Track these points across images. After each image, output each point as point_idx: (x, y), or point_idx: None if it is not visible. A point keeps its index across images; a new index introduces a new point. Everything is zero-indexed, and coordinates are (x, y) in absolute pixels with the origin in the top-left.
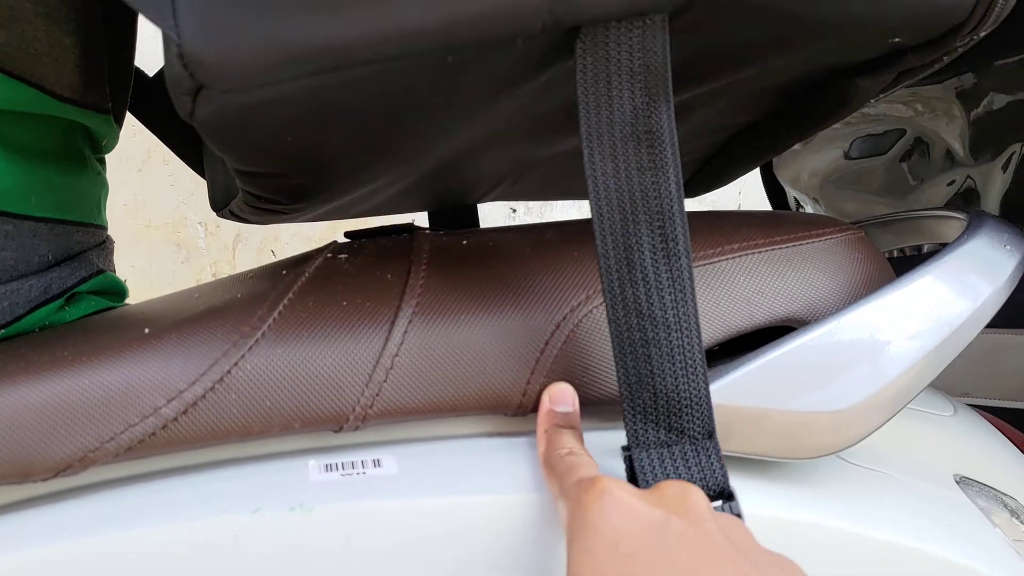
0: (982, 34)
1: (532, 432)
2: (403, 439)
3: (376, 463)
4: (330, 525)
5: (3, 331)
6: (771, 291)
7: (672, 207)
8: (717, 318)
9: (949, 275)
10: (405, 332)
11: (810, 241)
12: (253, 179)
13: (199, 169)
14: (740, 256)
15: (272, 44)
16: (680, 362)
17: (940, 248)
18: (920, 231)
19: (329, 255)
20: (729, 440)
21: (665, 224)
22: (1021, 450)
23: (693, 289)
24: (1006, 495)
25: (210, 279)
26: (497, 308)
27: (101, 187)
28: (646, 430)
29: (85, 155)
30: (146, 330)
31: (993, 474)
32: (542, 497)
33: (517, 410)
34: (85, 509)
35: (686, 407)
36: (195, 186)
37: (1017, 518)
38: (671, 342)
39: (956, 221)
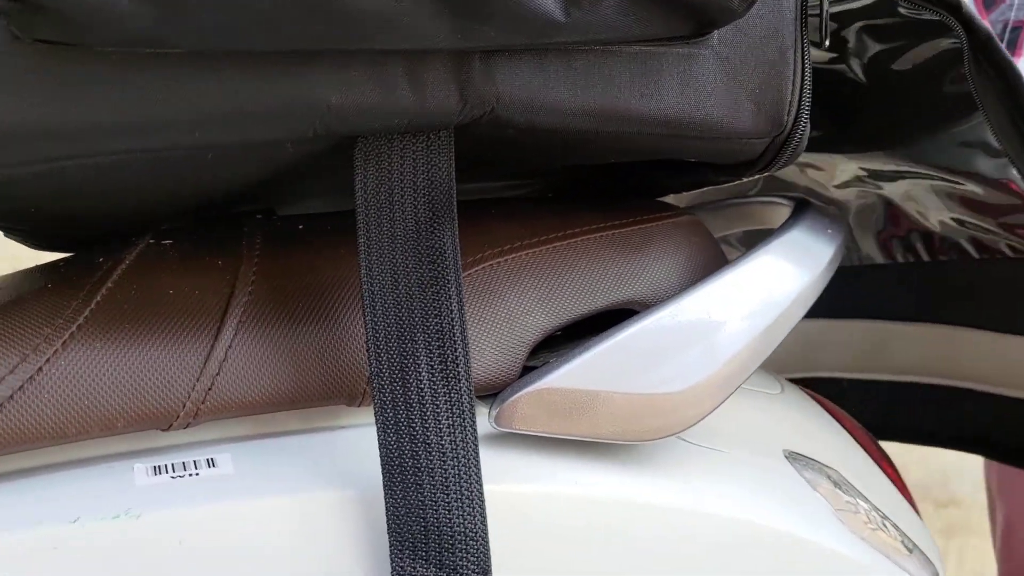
0: (775, 170)
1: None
2: (240, 436)
3: (210, 463)
4: (161, 531)
5: None
6: (612, 274)
7: (453, 327)
8: (559, 302)
9: (776, 260)
10: (239, 321)
11: (648, 225)
12: (12, 234)
13: None
14: (582, 239)
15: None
16: (455, 493)
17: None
18: (749, 217)
19: (152, 240)
20: (574, 424)
21: (445, 344)
22: (842, 424)
23: (473, 415)
24: (829, 467)
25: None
26: (335, 294)
27: None
28: (414, 567)
29: None
30: None
31: (817, 448)
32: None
33: (362, 400)
34: None
35: (460, 543)
36: None
37: (840, 488)
38: (446, 471)
39: (782, 207)
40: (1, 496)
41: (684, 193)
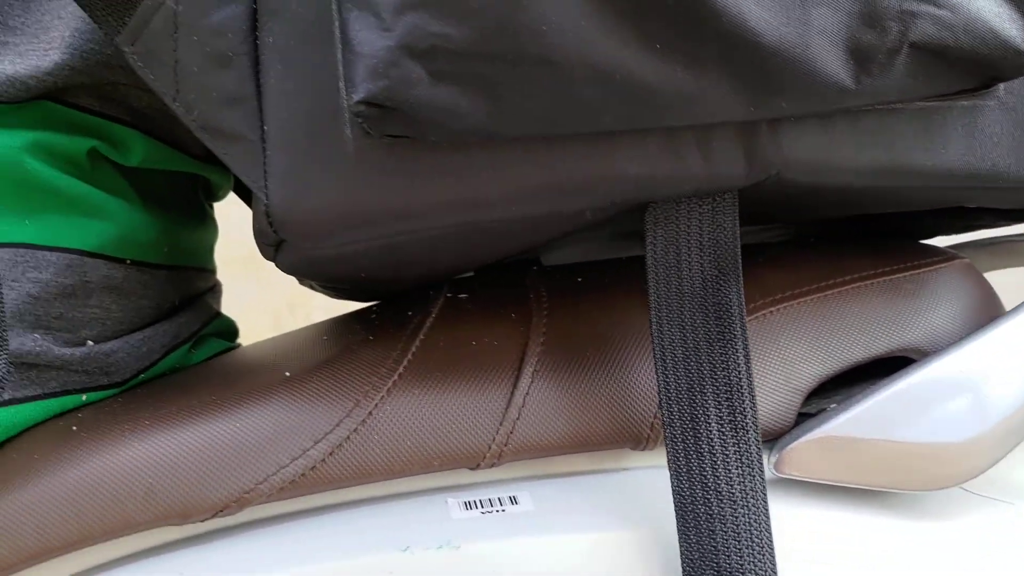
0: None
1: (661, 465)
2: (535, 475)
3: (513, 500)
4: (478, 561)
5: (142, 375)
6: (886, 322)
7: (740, 380)
8: (834, 350)
9: None
10: (535, 370)
11: (921, 271)
12: (328, 291)
13: None
14: (854, 287)
15: (351, 211)
16: (746, 539)
17: None
18: (1019, 254)
19: (449, 295)
20: (853, 472)
21: (733, 396)
22: None
23: (761, 464)
24: None
25: (286, 310)
26: (620, 343)
27: (214, 233)
28: None
29: (203, 204)
30: (287, 374)
31: None
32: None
33: (647, 444)
34: (241, 549)
35: None
36: None
37: None
38: (737, 518)
39: None
40: (341, 525)
41: None
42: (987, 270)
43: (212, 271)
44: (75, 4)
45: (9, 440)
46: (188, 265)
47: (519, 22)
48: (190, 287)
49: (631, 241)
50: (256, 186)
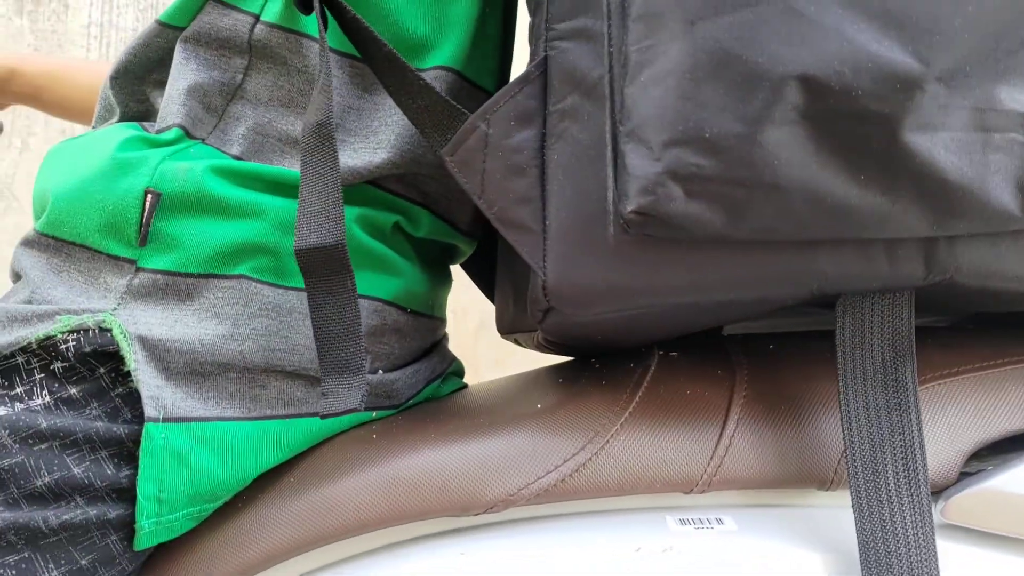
0: None
1: (840, 506)
2: (735, 504)
3: (719, 520)
4: (693, 566)
5: (410, 401)
6: None
7: (914, 442)
8: (993, 420)
9: None
10: (739, 417)
11: None
12: (559, 349)
13: (490, 296)
14: (1011, 368)
15: (608, 289)
16: (918, 574)
17: None
18: None
19: (661, 353)
20: (1011, 523)
21: (908, 457)
22: None
23: (931, 513)
24: None
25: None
26: (808, 401)
27: (450, 290)
28: None
29: (448, 268)
30: (538, 405)
31: None
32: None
33: (831, 486)
34: (504, 540)
35: None
36: None
37: None
38: (911, 557)
39: None
40: (585, 529)
41: None
42: None
43: (446, 321)
44: (401, 115)
45: (322, 442)
46: (437, 316)
47: (756, 156)
48: (437, 333)
49: (798, 315)
50: (537, 266)
